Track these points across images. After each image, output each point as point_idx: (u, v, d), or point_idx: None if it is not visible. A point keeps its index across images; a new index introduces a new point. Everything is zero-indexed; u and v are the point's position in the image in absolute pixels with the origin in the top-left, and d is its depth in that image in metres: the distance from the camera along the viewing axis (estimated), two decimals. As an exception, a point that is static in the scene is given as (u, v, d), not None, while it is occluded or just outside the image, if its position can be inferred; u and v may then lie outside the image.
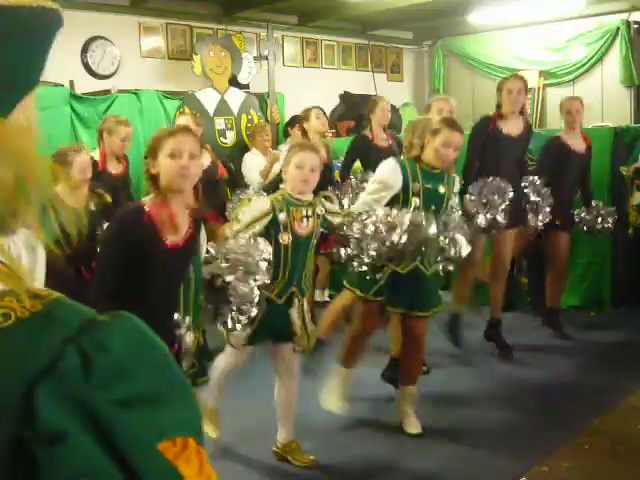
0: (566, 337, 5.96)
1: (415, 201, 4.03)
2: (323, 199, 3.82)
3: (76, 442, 0.57)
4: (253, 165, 7.03)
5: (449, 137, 4.03)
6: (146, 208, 2.88)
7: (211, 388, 3.78)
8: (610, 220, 5.89)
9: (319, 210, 3.74)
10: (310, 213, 3.71)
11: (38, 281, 0.76)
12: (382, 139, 6.06)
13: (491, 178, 4.97)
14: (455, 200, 4.28)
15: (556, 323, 6.08)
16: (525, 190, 5.44)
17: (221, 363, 3.85)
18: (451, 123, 4.08)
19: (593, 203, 5.92)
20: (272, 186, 5.47)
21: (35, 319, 0.63)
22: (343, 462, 3.89)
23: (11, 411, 0.58)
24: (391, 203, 3.98)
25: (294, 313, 3.67)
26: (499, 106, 5.44)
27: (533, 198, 5.45)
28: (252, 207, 3.69)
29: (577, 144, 5.88)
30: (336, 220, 3.81)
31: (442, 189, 4.11)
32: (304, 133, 6.75)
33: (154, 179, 2.90)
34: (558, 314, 6.11)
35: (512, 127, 5.39)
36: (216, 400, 3.90)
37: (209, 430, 3.80)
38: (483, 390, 4.94)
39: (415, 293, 4.09)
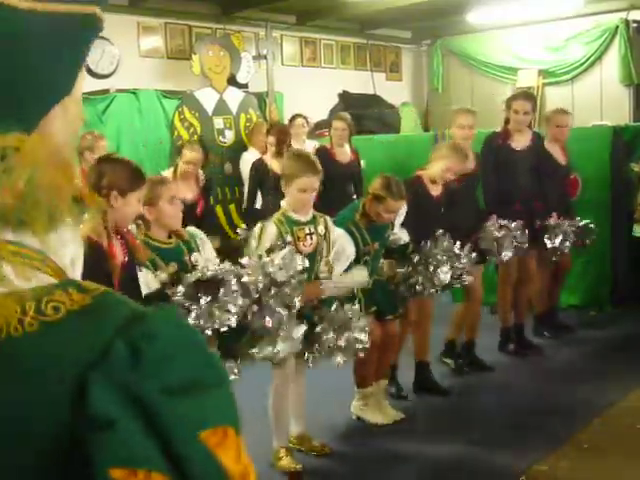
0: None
1: (366, 258, 4.15)
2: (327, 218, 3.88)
3: (124, 429, 0.59)
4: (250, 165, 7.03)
5: (391, 205, 4.10)
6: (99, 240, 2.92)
7: (274, 425, 3.81)
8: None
9: (320, 230, 3.79)
10: (312, 230, 3.77)
11: (76, 276, 0.78)
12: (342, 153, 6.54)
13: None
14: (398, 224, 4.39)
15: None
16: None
17: (273, 391, 3.82)
18: (395, 192, 4.08)
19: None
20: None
21: (85, 312, 0.65)
22: (344, 461, 3.90)
23: (64, 400, 0.60)
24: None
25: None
26: (507, 122, 5.54)
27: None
28: (264, 238, 3.65)
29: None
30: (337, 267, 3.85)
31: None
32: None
33: None
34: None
35: (520, 141, 5.51)
36: (285, 435, 3.87)
37: (286, 462, 3.75)
38: (482, 390, 4.94)
39: (386, 298, 4.33)
